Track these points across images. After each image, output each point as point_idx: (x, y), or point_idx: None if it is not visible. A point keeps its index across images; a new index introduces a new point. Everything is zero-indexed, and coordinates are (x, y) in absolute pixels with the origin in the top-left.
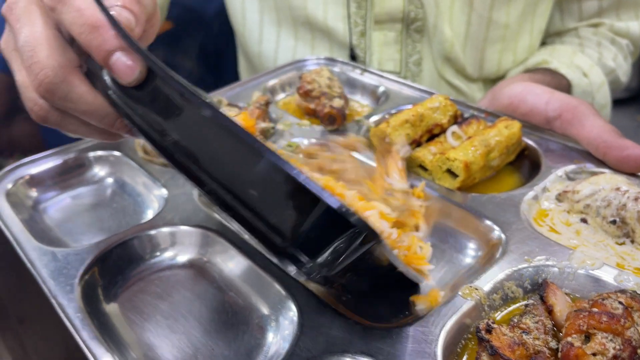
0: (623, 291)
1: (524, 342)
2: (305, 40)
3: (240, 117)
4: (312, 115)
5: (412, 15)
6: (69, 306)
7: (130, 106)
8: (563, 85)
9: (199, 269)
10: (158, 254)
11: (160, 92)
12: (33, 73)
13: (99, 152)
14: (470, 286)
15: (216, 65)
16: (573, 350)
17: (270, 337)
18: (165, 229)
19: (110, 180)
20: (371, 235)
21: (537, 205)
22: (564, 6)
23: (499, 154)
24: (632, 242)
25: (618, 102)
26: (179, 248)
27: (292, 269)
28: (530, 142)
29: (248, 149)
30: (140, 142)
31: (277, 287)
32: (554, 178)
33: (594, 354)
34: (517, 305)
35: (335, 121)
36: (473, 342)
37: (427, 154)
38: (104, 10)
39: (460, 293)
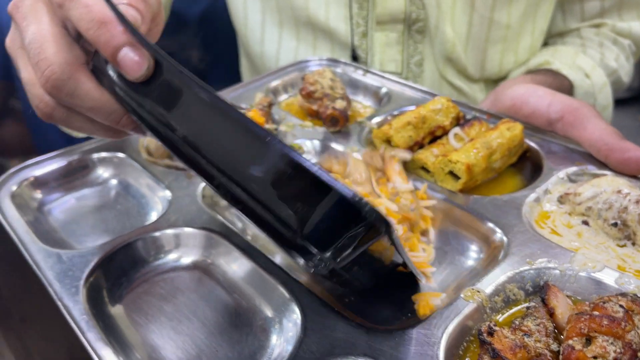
0: (624, 294)
1: (526, 345)
2: (307, 40)
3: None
4: (315, 116)
5: (414, 16)
6: (74, 308)
7: (137, 102)
8: (565, 86)
9: (203, 271)
10: (162, 255)
11: (168, 87)
12: (40, 70)
13: (103, 154)
14: (472, 288)
15: (211, 70)
16: (574, 353)
17: (274, 339)
18: (169, 231)
19: (114, 181)
20: (383, 224)
21: (538, 208)
22: (566, 6)
23: (501, 156)
24: (633, 244)
25: (620, 102)
26: (183, 250)
27: (300, 261)
28: (532, 144)
29: (257, 140)
30: (144, 144)
31: (281, 289)
32: (555, 180)
33: (595, 357)
34: (519, 307)
35: (338, 122)
36: (475, 345)
37: (429, 156)
38: (112, 6)
39: (462, 295)
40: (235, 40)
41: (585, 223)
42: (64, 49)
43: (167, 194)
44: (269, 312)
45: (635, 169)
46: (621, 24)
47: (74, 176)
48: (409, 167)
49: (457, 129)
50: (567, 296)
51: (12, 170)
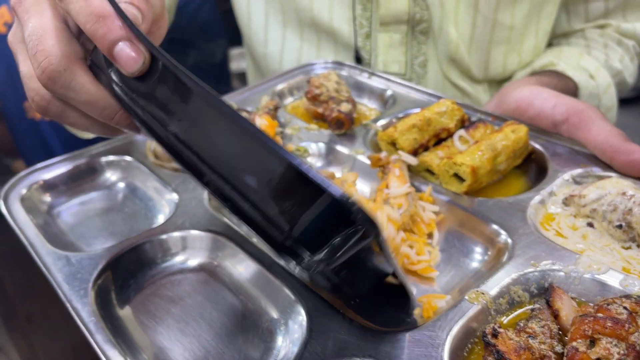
0: (628, 296)
1: (530, 347)
2: (310, 41)
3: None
4: (320, 119)
5: (418, 16)
6: (83, 310)
7: (132, 98)
8: (570, 87)
9: (209, 273)
10: (169, 258)
11: (163, 83)
12: (37, 61)
13: (111, 157)
14: (477, 290)
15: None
16: (578, 355)
17: (280, 340)
18: (176, 234)
19: (121, 185)
20: (371, 226)
21: (543, 210)
22: (570, 7)
23: (506, 158)
24: (638, 246)
25: (624, 102)
26: (189, 252)
27: (292, 266)
28: (537, 146)
29: (249, 138)
30: (151, 147)
31: (287, 291)
32: (560, 182)
33: (599, 359)
34: (523, 309)
35: (343, 125)
36: (479, 347)
37: (434, 158)
38: (112, 2)
39: (466, 297)
40: (225, 52)
41: (590, 225)
42: (62, 42)
43: (174, 196)
44: (274, 314)
45: (639, 171)
46: (625, 24)
47: (82, 179)
48: (414, 170)
49: (461, 132)
50: (572, 298)
51: (21, 173)
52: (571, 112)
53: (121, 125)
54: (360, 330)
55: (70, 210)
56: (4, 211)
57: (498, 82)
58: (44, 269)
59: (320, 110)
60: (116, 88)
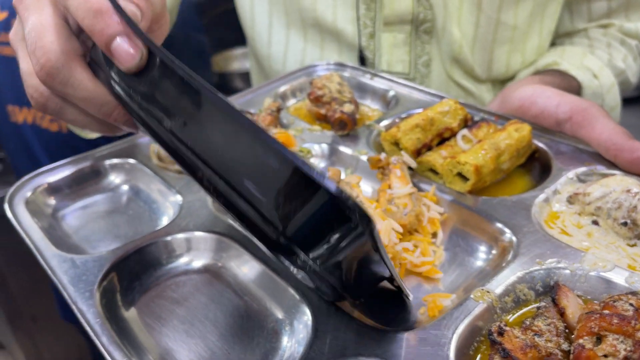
0: (634, 293)
1: (536, 345)
2: (314, 42)
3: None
4: (323, 120)
5: (421, 16)
6: (88, 312)
7: (130, 94)
8: (573, 86)
9: (214, 274)
10: (174, 259)
11: (160, 79)
12: (36, 57)
13: (115, 160)
14: (482, 289)
15: None
16: (584, 352)
17: (285, 340)
18: (181, 235)
19: (125, 187)
20: (366, 222)
21: (548, 208)
22: (573, 7)
23: (509, 157)
24: None
25: (627, 101)
26: (194, 253)
27: (285, 262)
28: (541, 145)
29: (244, 131)
30: (154, 150)
31: (291, 291)
32: (564, 180)
33: (605, 356)
34: (529, 307)
35: (346, 126)
36: (485, 345)
37: (437, 157)
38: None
39: (472, 296)
40: (206, 59)
41: (595, 223)
42: (61, 39)
43: (178, 198)
44: (279, 314)
45: None
46: (628, 24)
47: (86, 183)
48: (417, 170)
49: (465, 131)
50: (578, 296)
51: (26, 177)
52: (575, 111)
53: (119, 123)
54: (366, 330)
55: (74, 213)
56: (9, 214)
57: (501, 82)
58: (49, 272)
59: (322, 111)
60: (114, 85)
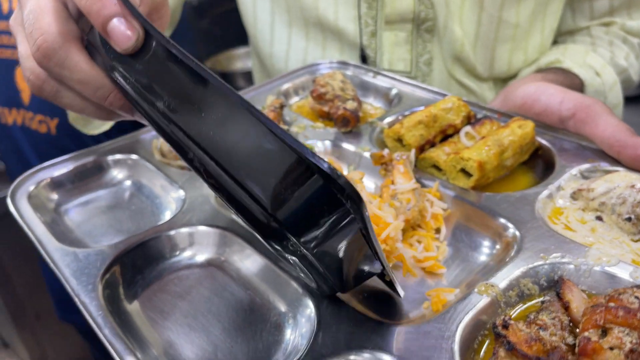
0: (639, 286)
1: (541, 338)
2: (316, 41)
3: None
4: (326, 117)
5: (423, 15)
6: (91, 304)
7: (125, 76)
8: (576, 84)
9: (217, 268)
10: (177, 253)
11: (156, 61)
12: (33, 38)
13: (117, 156)
14: (486, 283)
15: None
16: (590, 344)
17: (288, 334)
18: (184, 230)
19: (128, 182)
20: (357, 202)
21: (551, 204)
22: (575, 5)
23: (513, 154)
24: None
25: (629, 100)
26: (197, 248)
27: (280, 251)
28: (544, 142)
29: (237, 109)
30: (157, 145)
31: (294, 285)
32: (568, 177)
33: (611, 348)
34: (533, 302)
35: (349, 123)
36: (490, 339)
37: (440, 154)
38: None
39: (476, 290)
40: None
41: (599, 218)
42: (58, 21)
43: (181, 194)
44: (282, 308)
45: None
46: (631, 22)
47: (89, 178)
48: (420, 166)
49: (468, 128)
50: (582, 291)
51: (29, 171)
52: (578, 108)
53: (115, 107)
54: (369, 323)
55: (77, 208)
56: (12, 209)
57: (503, 80)
58: (52, 265)
59: (325, 108)
60: (110, 68)
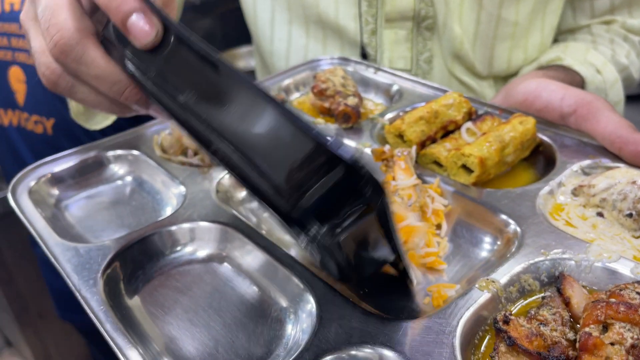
0: None
1: (542, 333)
2: (316, 38)
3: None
4: (327, 113)
5: (423, 13)
6: (92, 299)
7: (143, 71)
8: (577, 82)
9: (218, 264)
10: (178, 249)
11: (176, 55)
12: (49, 34)
13: (118, 151)
14: (487, 279)
15: None
16: (591, 339)
17: (289, 329)
18: (185, 225)
19: (129, 178)
20: (379, 193)
21: (552, 200)
22: (576, 3)
23: (514, 150)
24: None
25: (631, 99)
26: (198, 243)
27: (302, 239)
28: (545, 138)
29: (261, 103)
30: (158, 141)
31: (295, 280)
32: (569, 173)
33: (612, 344)
34: (534, 297)
35: (350, 119)
36: (490, 334)
37: (442, 150)
38: None
39: (476, 285)
40: None
41: (600, 215)
42: (74, 17)
43: (182, 189)
44: (284, 303)
45: None
46: (631, 20)
47: (90, 173)
48: (421, 162)
49: (469, 124)
50: (583, 286)
51: (30, 167)
52: (579, 104)
53: (130, 102)
54: (370, 318)
55: (78, 204)
56: (13, 203)
57: (503, 78)
58: (53, 260)
59: (326, 104)
60: (128, 62)
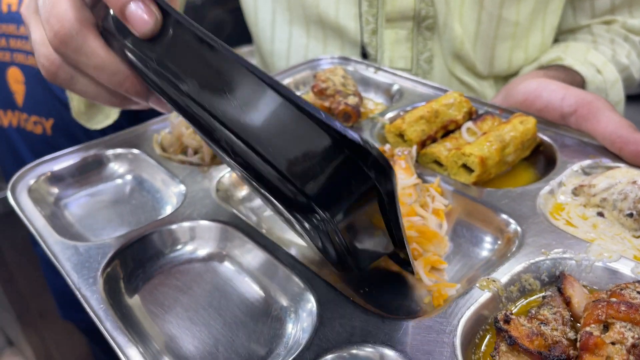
0: None
1: (542, 333)
2: (317, 38)
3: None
4: (327, 113)
5: (423, 13)
6: (92, 298)
7: (144, 61)
8: (577, 82)
9: (218, 262)
10: (178, 247)
11: (177, 43)
12: (50, 24)
13: (118, 150)
14: (488, 278)
15: None
16: (592, 339)
17: (290, 328)
18: (185, 224)
19: (129, 177)
20: (386, 172)
21: (553, 200)
22: (576, 3)
23: (514, 150)
24: None
25: (631, 98)
26: (198, 242)
27: (302, 222)
28: (546, 138)
29: (264, 88)
30: (157, 140)
31: (296, 279)
32: (569, 173)
33: (613, 343)
34: (535, 297)
35: (350, 118)
36: (491, 333)
37: (442, 149)
38: None
39: (477, 285)
40: None
41: (601, 214)
42: (75, 8)
43: (182, 188)
44: (284, 302)
45: None
46: (632, 20)
47: (89, 172)
48: (421, 162)
49: (469, 123)
50: (583, 286)
51: (29, 165)
52: (580, 104)
53: (130, 93)
54: (371, 317)
55: (77, 202)
56: (12, 202)
57: (504, 78)
58: (52, 258)
59: (326, 104)
60: (128, 53)
